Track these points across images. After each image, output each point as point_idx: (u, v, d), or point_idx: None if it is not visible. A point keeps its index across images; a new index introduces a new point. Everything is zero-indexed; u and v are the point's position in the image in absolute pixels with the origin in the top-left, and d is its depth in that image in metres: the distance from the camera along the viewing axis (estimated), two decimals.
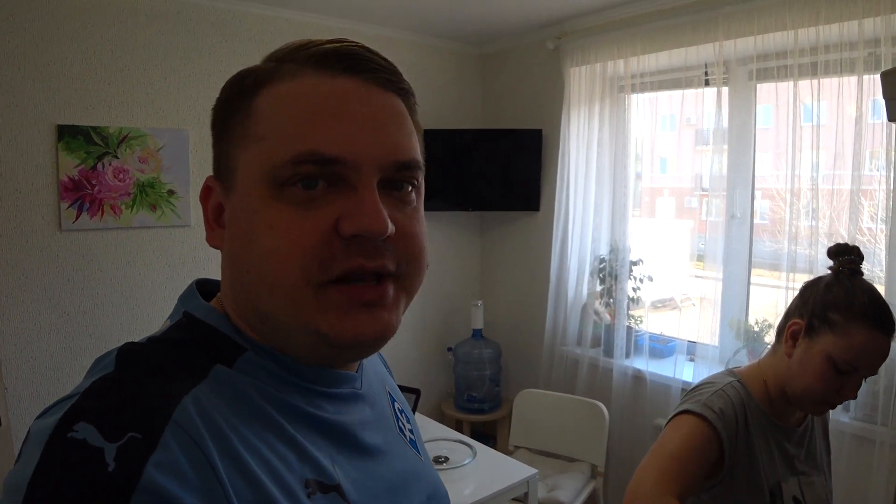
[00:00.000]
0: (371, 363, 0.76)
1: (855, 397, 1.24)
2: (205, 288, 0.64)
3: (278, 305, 0.54)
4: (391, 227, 0.54)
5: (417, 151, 0.59)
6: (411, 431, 0.78)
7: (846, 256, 1.28)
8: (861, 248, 1.30)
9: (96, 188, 2.62)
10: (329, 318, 0.54)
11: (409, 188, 0.58)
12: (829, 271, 1.31)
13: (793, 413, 1.34)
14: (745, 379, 1.32)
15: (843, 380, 1.21)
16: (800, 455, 1.32)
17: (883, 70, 1.42)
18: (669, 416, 1.29)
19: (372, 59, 0.57)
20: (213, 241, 0.61)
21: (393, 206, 0.56)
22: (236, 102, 0.58)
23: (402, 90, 0.59)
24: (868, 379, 2.09)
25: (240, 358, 0.56)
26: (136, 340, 0.56)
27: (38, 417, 0.48)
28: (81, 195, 2.59)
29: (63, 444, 0.43)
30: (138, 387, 0.49)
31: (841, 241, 1.55)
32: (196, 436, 0.47)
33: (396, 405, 0.77)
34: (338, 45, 0.56)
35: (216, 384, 0.52)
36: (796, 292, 1.34)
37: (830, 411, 1.40)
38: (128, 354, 0.53)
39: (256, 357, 0.57)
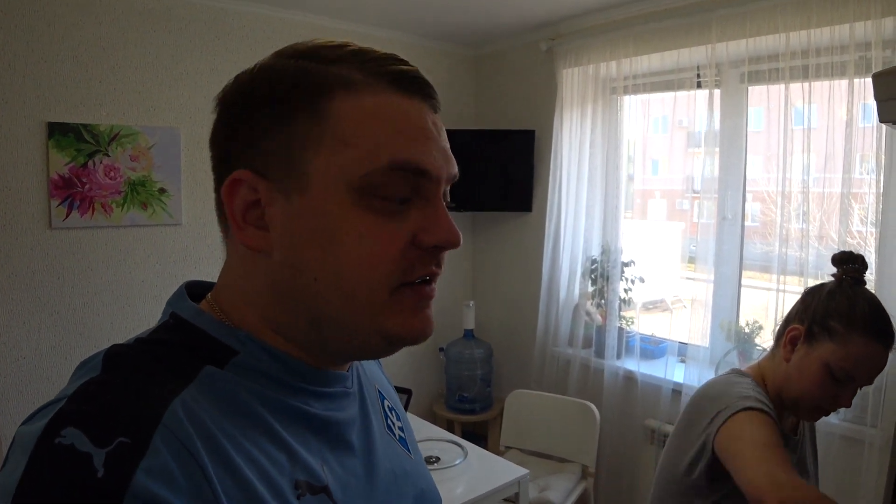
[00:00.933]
0: (362, 361, 0.77)
1: (849, 405, 1.24)
2: (194, 290, 0.63)
3: (352, 310, 0.56)
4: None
5: None
6: (401, 429, 0.78)
7: (850, 265, 1.28)
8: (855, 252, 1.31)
9: (87, 186, 2.60)
10: (397, 319, 0.57)
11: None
12: (833, 278, 1.30)
13: (787, 419, 1.35)
14: (754, 380, 1.32)
15: (838, 387, 1.21)
16: (793, 460, 1.33)
17: (874, 72, 1.43)
18: (723, 417, 1.21)
19: (430, 84, 0.61)
20: (249, 240, 0.57)
21: None
22: (299, 101, 0.56)
23: (439, 111, 0.63)
24: None
25: (231, 360, 0.56)
26: (122, 342, 0.55)
27: (23, 423, 0.47)
28: (72, 193, 2.57)
29: (51, 449, 0.42)
30: (126, 391, 0.48)
31: (836, 245, 1.55)
32: (186, 440, 0.46)
33: (386, 403, 0.77)
34: (405, 66, 0.59)
35: (205, 386, 0.52)
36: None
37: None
38: (115, 357, 0.52)
39: (248, 358, 0.57)
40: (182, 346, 0.56)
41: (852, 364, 1.19)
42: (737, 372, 1.37)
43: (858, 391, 1.25)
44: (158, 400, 0.48)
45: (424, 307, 0.59)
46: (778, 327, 1.37)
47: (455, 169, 0.61)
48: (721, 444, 1.20)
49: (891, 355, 1.23)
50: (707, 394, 1.33)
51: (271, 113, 0.56)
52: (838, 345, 1.20)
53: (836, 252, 1.32)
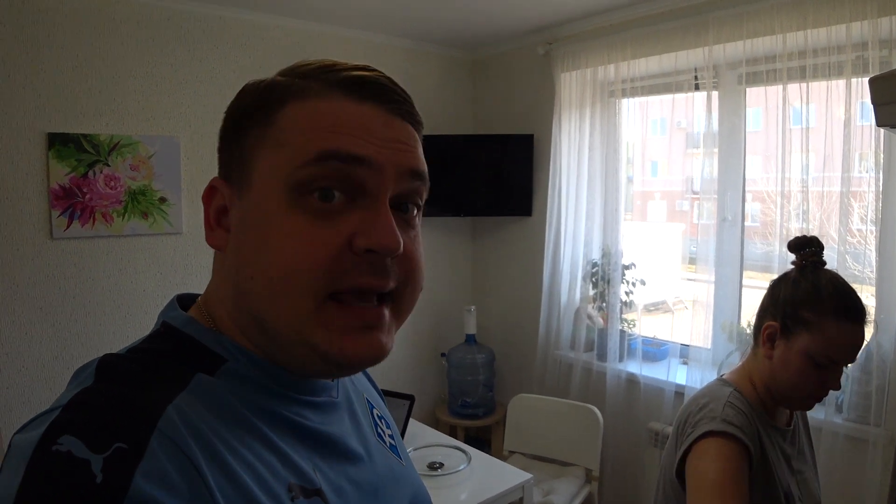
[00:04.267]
0: None
1: (839, 388, 1.25)
2: (185, 303, 0.64)
3: (280, 315, 0.55)
4: (402, 245, 0.55)
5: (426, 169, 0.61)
6: (391, 437, 0.78)
7: (809, 249, 1.29)
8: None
9: (87, 196, 2.61)
10: (328, 336, 0.54)
11: (415, 211, 0.61)
12: (793, 265, 1.31)
13: (782, 413, 1.35)
14: (739, 386, 1.31)
15: (825, 373, 1.22)
16: (794, 454, 1.33)
17: (871, 76, 1.43)
18: (689, 440, 1.23)
19: (395, 90, 0.59)
20: (213, 240, 0.61)
21: (399, 227, 0.56)
22: (258, 112, 0.58)
23: (416, 122, 0.61)
24: (861, 379, 2.10)
25: (221, 367, 0.56)
26: (115, 352, 0.55)
27: (17, 432, 0.47)
28: (72, 203, 2.58)
29: (49, 457, 0.42)
30: (121, 398, 0.48)
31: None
32: (182, 444, 0.46)
33: (375, 411, 0.78)
34: (365, 73, 0.58)
35: (198, 393, 0.52)
36: None
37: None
38: (107, 366, 0.52)
39: (237, 366, 0.57)
40: (173, 354, 0.56)
41: (833, 349, 1.20)
42: (721, 381, 1.36)
43: (855, 384, 1.26)
44: (153, 406, 0.48)
45: (363, 329, 0.55)
46: (753, 323, 1.36)
47: (414, 163, 0.58)
48: (687, 472, 1.22)
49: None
50: (688, 408, 1.32)
51: (237, 124, 0.59)
52: (815, 334, 1.20)
53: (791, 239, 1.32)
